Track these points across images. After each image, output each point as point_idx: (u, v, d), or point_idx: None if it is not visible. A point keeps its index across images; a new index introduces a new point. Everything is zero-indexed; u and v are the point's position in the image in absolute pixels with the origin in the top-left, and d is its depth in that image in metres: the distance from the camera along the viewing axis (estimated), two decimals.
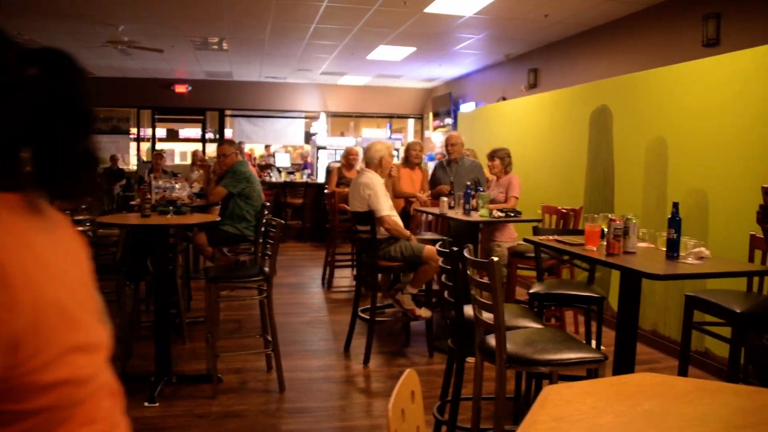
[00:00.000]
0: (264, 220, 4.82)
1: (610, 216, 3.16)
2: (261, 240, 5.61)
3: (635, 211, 5.56)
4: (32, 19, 8.90)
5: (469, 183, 5.41)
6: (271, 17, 8.53)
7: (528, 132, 7.69)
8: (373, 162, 5.22)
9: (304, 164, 14.40)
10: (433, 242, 5.70)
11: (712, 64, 4.89)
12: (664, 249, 3.17)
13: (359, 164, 7.75)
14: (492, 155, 5.89)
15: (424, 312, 5.05)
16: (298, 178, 11.45)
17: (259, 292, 4.59)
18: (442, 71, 12.87)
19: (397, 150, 14.69)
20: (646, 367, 4.90)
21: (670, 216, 3.09)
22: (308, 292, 7.41)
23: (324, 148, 13.63)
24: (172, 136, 18.33)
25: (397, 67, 12.31)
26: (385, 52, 10.75)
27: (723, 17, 6.34)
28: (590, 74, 7.97)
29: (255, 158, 14.96)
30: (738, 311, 3.36)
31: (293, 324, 6.01)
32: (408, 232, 5.10)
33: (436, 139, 13.95)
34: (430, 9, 7.89)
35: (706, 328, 3.74)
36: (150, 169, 9.38)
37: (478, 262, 2.67)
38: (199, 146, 14.66)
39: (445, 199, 5.45)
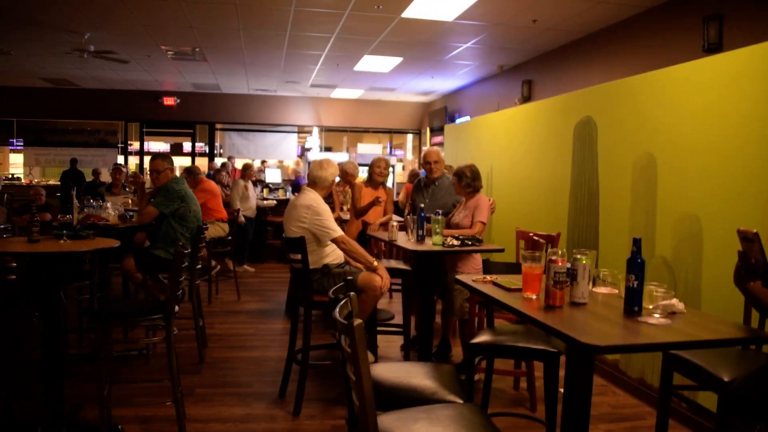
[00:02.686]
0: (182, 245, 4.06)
1: (551, 255, 2.35)
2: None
3: (621, 241, 4.74)
4: None
5: (421, 210, 4.58)
6: (239, 24, 7.85)
7: (512, 147, 6.88)
8: (323, 184, 4.49)
9: (296, 180, 13.68)
10: (388, 272, 4.93)
11: (704, 66, 4.05)
12: None
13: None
14: (454, 173, 5.08)
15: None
16: (280, 195, 10.71)
17: (164, 330, 3.82)
18: (436, 84, 12.13)
19: (393, 167, 13.98)
20: (629, 425, 4.08)
21: (629, 256, 2.27)
22: (268, 321, 6.62)
23: None
24: (176, 150, 17.75)
25: (389, 79, 11.61)
26: (372, 63, 10.06)
27: (725, 19, 5.54)
28: (584, 85, 7.17)
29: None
30: (726, 379, 2.53)
31: (234, 361, 5.23)
32: (372, 258, 4.31)
33: None
34: (407, 14, 7.19)
35: (687, 396, 2.91)
36: (108, 186, 8.68)
37: (340, 323, 1.88)
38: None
39: (395, 223, 4.66)
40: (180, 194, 5.22)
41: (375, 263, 4.26)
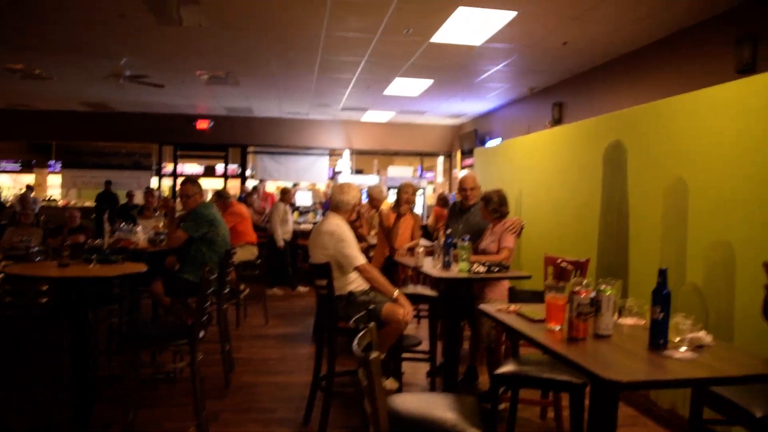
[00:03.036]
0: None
1: (574, 285, 2.31)
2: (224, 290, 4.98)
3: (652, 267, 4.63)
4: (37, 52, 8.57)
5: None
6: (272, 49, 7.96)
7: (542, 170, 6.82)
8: (346, 208, 4.47)
9: (327, 202, 13.75)
10: (411, 298, 4.90)
11: (736, 88, 3.98)
12: None
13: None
14: (482, 198, 5.03)
15: (389, 383, 4.21)
16: (311, 218, 10.75)
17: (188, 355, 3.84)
18: (466, 107, 12.13)
19: (423, 189, 13.96)
20: None
21: (655, 287, 2.22)
22: (295, 345, 6.60)
23: None
24: (210, 172, 17.96)
25: (419, 102, 11.65)
26: (402, 86, 10.10)
27: (760, 39, 5.45)
28: (616, 107, 7.08)
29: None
30: (758, 416, 2.45)
31: (259, 386, 5.22)
32: (393, 289, 4.25)
33: None
34: (436, 39, 7.22)
35: (716, 430, 2.82)
36: (141, 209, 8.81)
37: (357, 355, 1.86)
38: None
39: (421, 249, 4.64)
40: (208, 218, 5.27)
41: (395, 294, 4.22)
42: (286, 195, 9.60)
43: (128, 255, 5.12)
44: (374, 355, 1.75)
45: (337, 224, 4.34)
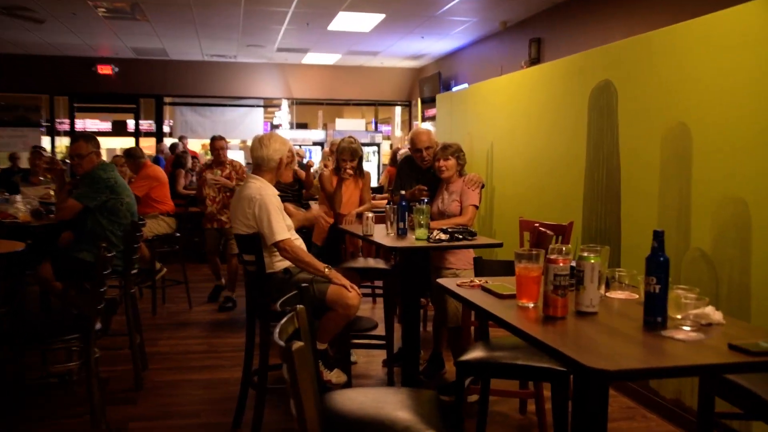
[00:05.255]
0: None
1: (550, 253, 2.21)
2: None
3: (649, 231, 4.61)
4: None
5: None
6: None
7: (516, 119, 6.76)
8: (269, 165, 4.25)
9: None
10: (360, 272, 4.83)
11: (753, 11, 3.91)
12: None
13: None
14: (446, 153, 4.90)
15: (335, 376, 4.13)
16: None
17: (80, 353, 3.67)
18: (427, 45, 11.99)
19: (377, 145, 13.83)
20: None
21: (649, 254, 2.14)
22: (225, 334, 6.47)
23: None
24: (119, 129, 17.44)
25: (370, 40, 11.46)
26: (349, 21, 9.92)
27: None
28: (604, 43, 7.04)
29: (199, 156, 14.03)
30: None
31: (180, 385, 5.09)
32: (322, 266, 4.10)
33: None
34: None
35: (732, 426, 2.78)
36: (25, 174, 8.52)
37: (277, 345, 1.74)
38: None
39: (370, 215, 4.53)
40: (108, 183, 5.07)
41: (325, 270, 4.09)
42: None
43: (5, 231, 4.90)
44: (297, 345, 1.62)
45: (259, 188, 4.13)
